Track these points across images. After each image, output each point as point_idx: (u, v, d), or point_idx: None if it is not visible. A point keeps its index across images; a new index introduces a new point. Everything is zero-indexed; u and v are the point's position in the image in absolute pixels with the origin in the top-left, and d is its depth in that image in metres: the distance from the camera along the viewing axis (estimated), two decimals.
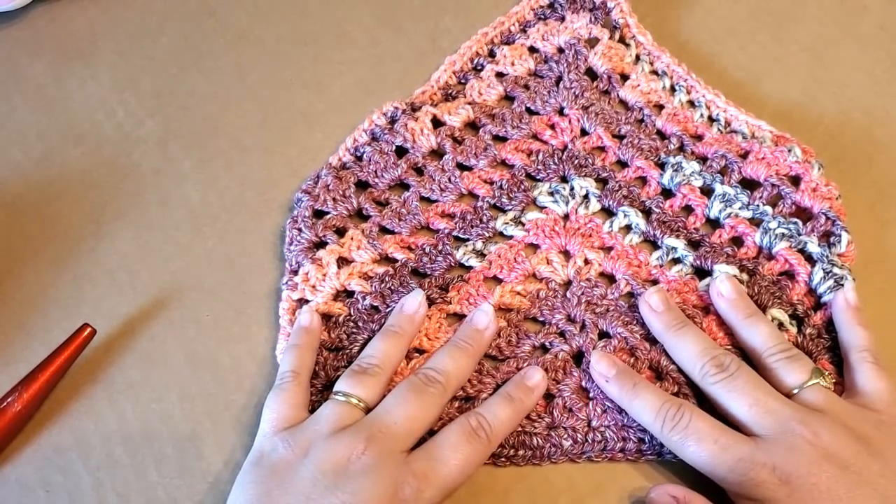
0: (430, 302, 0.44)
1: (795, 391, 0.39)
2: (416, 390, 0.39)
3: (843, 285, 0.43)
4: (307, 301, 0.44)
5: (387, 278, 0.44)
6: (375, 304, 0.44)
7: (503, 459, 0.41)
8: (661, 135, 0.50)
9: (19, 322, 0.45)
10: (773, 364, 0.40)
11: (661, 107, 0.51)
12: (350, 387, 0.39)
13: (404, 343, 0.41)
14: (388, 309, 0.43)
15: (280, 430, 0.38)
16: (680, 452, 0.38)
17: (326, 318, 0.44)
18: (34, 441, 0.42)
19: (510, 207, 0.47)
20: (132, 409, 0.43)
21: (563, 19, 0.53)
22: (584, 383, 0.42)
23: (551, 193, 0.47)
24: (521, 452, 0.41)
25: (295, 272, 0.45)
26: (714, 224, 0.47)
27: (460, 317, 0.44)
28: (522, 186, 0.47)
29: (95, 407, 0.43)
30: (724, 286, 0.42)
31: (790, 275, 0.44)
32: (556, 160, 0.48)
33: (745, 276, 0.44)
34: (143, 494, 0.41)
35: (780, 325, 0.43)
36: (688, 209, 0.47)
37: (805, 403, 0.38)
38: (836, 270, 0.43)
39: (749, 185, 0.47)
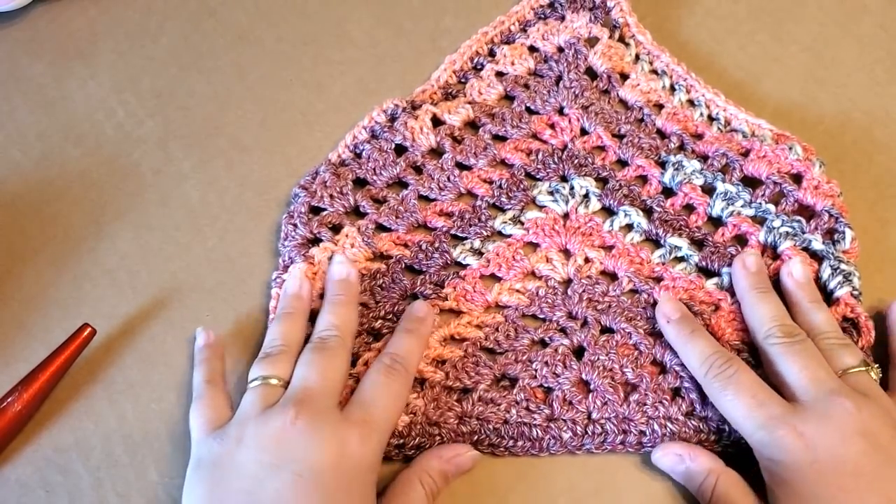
0: (425, 298, 0.44)
1: (843, 374, 0.39)
2: (318, 350, 0.40)
3: (851, 280, 0.43)
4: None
5: (378, 276, 0.44)
6: (365, 301, 0.44)
7: (502, 450, 0.41)
8: (661, 134, 0.50)
9: (19, 322, 0.45)
10: (828, 346, 0.40)
11: (660, 106, 0.51)
12: (262, 370, 0.40)
13: (300, 319, 0.42)
14: (379, 305, 0.43)
15: (210, 432, 0.38)
16: (717, 401, 0.39)
17: (314, 314, 0.44)
18: (34, 441, 0.42)
19: (510, 207, 0.47)
20: (132, 409, 0.43)
21: (562, 19, 0.53)
22: (584, 376, 0.42)
23: (551, 193, 0.47)
24: (520, 443, 0.41)
25: (286, 269, 0.45)
26: (716, 222, 0.47)
27: (455, 314, 0.44)
28: (522, 186, 0.47)
29: (95, 407, 0.43)
30: (797, 269, 0.43)
31: None
32: (556, 159, 0.48)
33: None
34: (143, 494, 0.41)
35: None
36: (689, 208, 0.47)
37: (852, 386, 0.38)
38: (843, 266, 0.43)
39: (750, 183, 0.47)
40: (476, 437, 0.41)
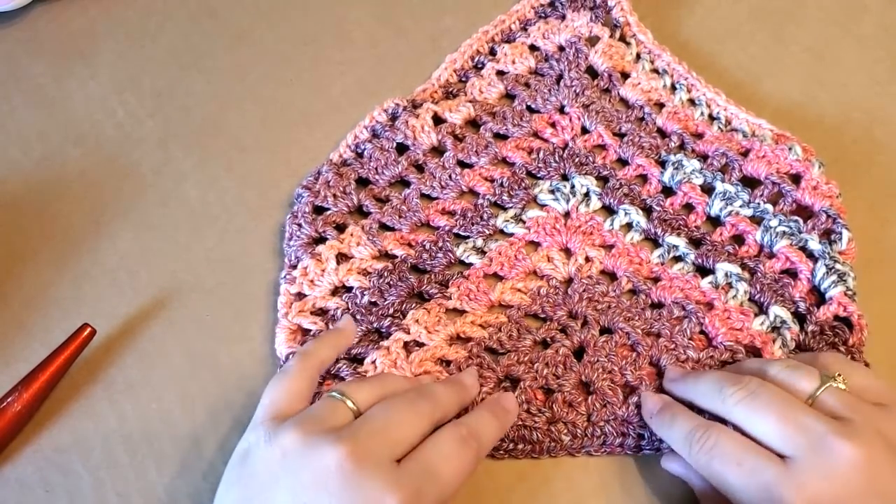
0: (429, 297, 0.44)
1: (811, 399, 0.36)
2: (408, 400, 0.36)
3: (846, 280, 0.43)
4: (305, 295, 0.44)
5: (385, 274, 0.44)
6: (373, 299, 0.44)
7: (502, 452, 0.41)
8: (662, 133, 0.50)
9: (19, 322, 0.45)
10: (780, 377, 0.37)
11: (661, 105, 0.51)
12: (346, 387, 0.37)
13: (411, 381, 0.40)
14: (386, 303, 0.43)
15: (268, 420, 0.35)
16: (709, 476, 0.36)
17: (323, 311, 0.44)
18: (34, 441, 0.42)
19: (511, 205, 0.47)
20: (132, 409, 0.42)
21: (563, 18, 0.53)
22: (583, 378, 0.42)
23: (552, 191, 0.47)
24: (520, 446, 0.41)
25: (294, 267, 0.45)
26: (715, 222, 0.47)
27: (460, 312, 0.44)
28: (523, 184, 0.47)
29: (95, 407, 0.42)
30: (670, 373, 0.41)
31: (792, 273, 0.44)
32: (557, 158, 0.48)
33: (746, 275, 0.44)
34: (143, 494, 0.40)
35: (783, 323, 0.43)
36: (688, 207, 0.47)
37: (827, 410, 0.35)
38: (838, 266, 0.43)
39: (749, 183, 0.47)
40: None
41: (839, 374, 0.37)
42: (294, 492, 0.32)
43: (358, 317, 0.43)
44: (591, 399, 0.41)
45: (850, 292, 0.43)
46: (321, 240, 0.46)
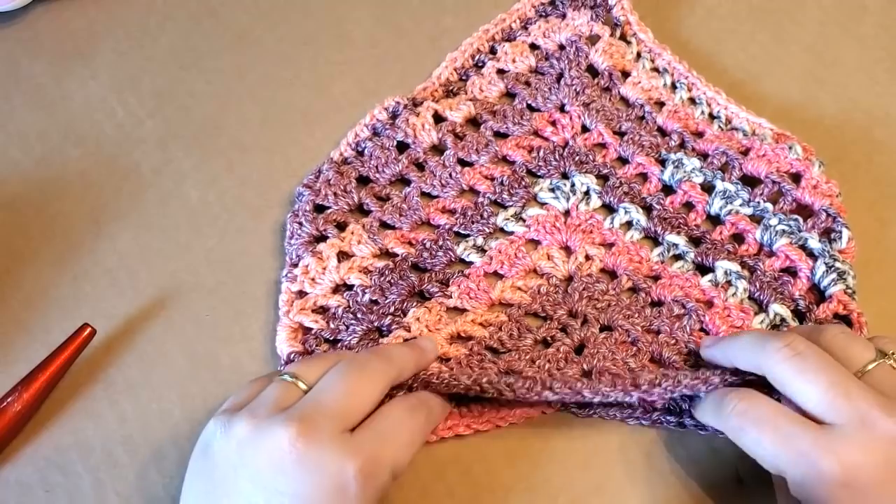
0: (430, 296, 0.44)
1: (860, 373, 0.34)
2: (358, 365, 0.35)
3: (845, 279, 0.43)
4: (306, 294, 0.44)
5: (386, 272, 0.44)
6: (374, 297, 0.44)
7: (505, 385, 0.38)
8: (662, 132, 0.50)
9: (19, 322, 0.44)
10: (833, 342, 0.36)
11: (661, 104, 0.51)
12: (295, 367, 0.36)
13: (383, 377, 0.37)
14: (387, 301, 0.43)
15: (222, 412, 0.35)
16: (739, 442, 0.35)
17: (324, 310, 0.44)
18: (34, 441, 0.42)
19: (511, 204, 0.47)
20: (132, 409, 0.42)
21: (564, 16, 0.53)
22: (585, 366, 0.42)
23: (552, 190, 0.47)
24: (520, 381, 0.38)
25: (295, 265, 0.45)
26: (715, 221, 0.47)
27: (460, 311, 0.44)
28: (523, 183, 0.47)
29: (95, 407, 0.42)
30: (707, 341, 0.41)
31: (791, 271, 0.44)
32: (557, 157, 0.48)
33: (746, 273, 0.44)
34: (144, 494, 0.40)
35: (783, 321, 0.43)
36: (688, 206, 0.47)
37: (875, 385, 0.34)
38: (838, 265, 0.43)
39: (750, 181, 0.47)
40: (473, 378, 0.38)
41: (894, 353, 0.35)
42: (253, 479, 0.32)
43: (358, 314, 0.43)
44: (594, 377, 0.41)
45: (849, 290, 0.43)
46: (322, 238, 0.46)
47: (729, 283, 0.44)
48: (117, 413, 0.42)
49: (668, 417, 0.41)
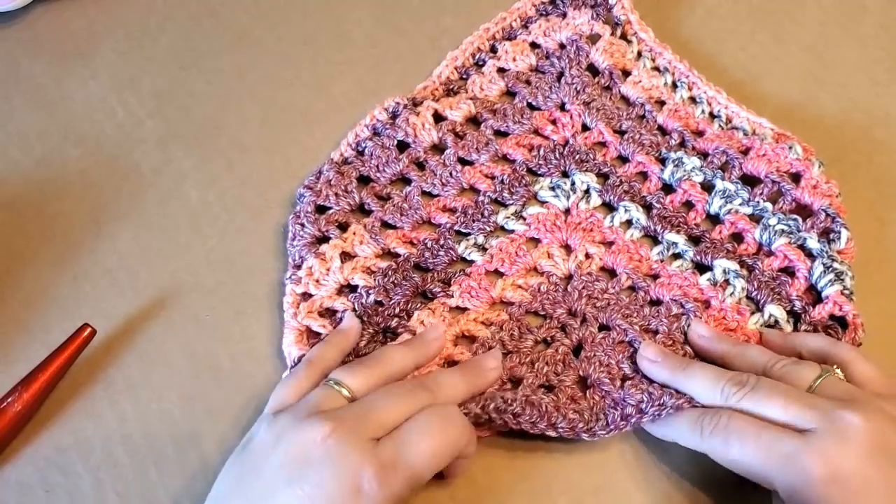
0: (433, 296, 0.44)
1: (811, 388, 0.37)
2: (404, 389, 0.37)
3: (843, 280, 0.43)
4: (311, 295, 0.44)
5: (389, 272, 0.44)
6: (379, 298, 0.44)
7: (511, 416, 0.39)
8: (663, 130, 0.50)
9: (19, 322, 0.44)
10: (781, 372, 0.39)
11: (662, 103, 0.51)
12: (342, 375, 0.38)
13: (413, 358, 0.40)
14: (392, 302, 0.43)
15: (270, 413, 0.37)
16: (724, 458, 0.37)
17: (331, 312, 0.44)
18: (34, 441, 0.41)
19: (511, 202, 0.47)
20: (132, 409, 0.42)
21: (564, 15, 0.54)
22: (581, 373, 0.42)
23: (552, 188, 0.47)
24: (528, 412, 0.39)
25: (298, 266, 0.45)
26: (714, 220, 0.47)
27: (462, 310, 0.44)
28: (524, 181, 0.47)
29: (95, 407, 0.42)
30: (700, 328, 0.42)
31: (790, 271, 0.45)
32: (558, 155, 0.48)
33: (744, 272, 0.44)
34: (143, 494, 0.40)
35: (776, 322, 0.43)
36: (688, 205, 0.47)
37: (827, 396, 0.36)
38: (836, 265, 0.43)
39: (749, 181, 0.47)
40: (483, 402, 0.39)
41: (836, 367, 0.39)
42: (281, 464, 0.34)
43: (365, 318, 0.43)
44: (590, 393, 0.41)
45: (846, 291, 0.43)
46: (324, 239, 0.46)
47: (727, 282, 0.44)
48: (117, 413, 0.42)
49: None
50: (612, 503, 0.40)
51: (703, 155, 0.48)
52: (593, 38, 0.52)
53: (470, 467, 0.41)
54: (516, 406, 0.39)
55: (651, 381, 0.41)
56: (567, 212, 0.47)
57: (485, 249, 0.45)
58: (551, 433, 0.40)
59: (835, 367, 0.39)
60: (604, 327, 0.43)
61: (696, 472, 0.41)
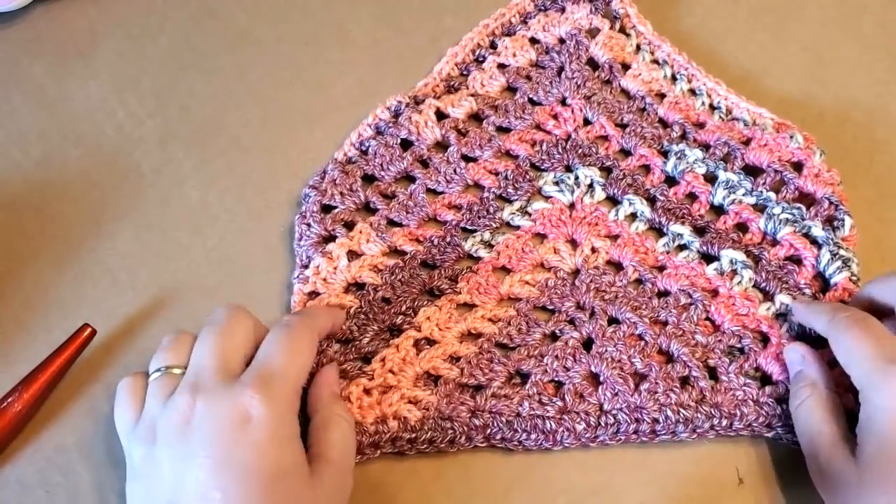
0: (440, 293, 0.44)
1: None
2: (212, 329, 0.37)
3: (850, 266, 0.43)
4: (318, 294, 0.44)
5: (397, 270, 0.44)
6: (387, 296, 0.44)
7: (515, 443, 0.41)
8: (664, 123, 0.50)
9: (20, 322, 0.44)
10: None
11: (662, 95, 0.51)
12: (159, 360, 0.38)
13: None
14: (399, 300, 0.43)
15: (130, 430, 0.37)
16: (839, 338, 0.38)
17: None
18: (34, 441, 0.41)
19: (516, 198, 0.47)
20: None
21: (563, 10, 0.54)
22: (593, 368, 0.42)
23: (556, 183, 0.47)
24: (533, 436, 0.40)
25: (305, 266, 0.45)
26: (718, 210, 0.47)
27: (470, 307, 0.44)
28: (528, 176, 0.47)
29: (96, 407, 0.42)
30: (797, 307, 0.42)
31: (796, 260, 0.45)
32: (560, 150, 0.48)
33: (751, 262, 0.44)
34: None
35: (789, 310, 0.43)
36: (692, 196, 0.47)
37: None
38: (842, 252, 0.44)
39: (752, 171, 0.47)
40: (489, 431, 0.41)
41: None
42: (172, 455, 0.34)
43: (370, 314, 0.43)
44: (602, 389, 0.41)
45: (854, 278, 0.43)
46: (331, 238, 0.46)
47: (734, 272, 0.44)
48: None
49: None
50: (612, 503, 0.40)
51: (705, 146, 0.48)
52: (592, 33, 0.52)
53: (468, 466, 0.41)
54: (521, 433, 0.40)
55: (666, 392, 0.41)
56: (572, 206, 0.47)
57: (491, 246, 0.45)
58: (557, 448, 0.41)
59: None
60: (613, 321, 0.43)
61: (696, 473, 0.41)
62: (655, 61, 0.52)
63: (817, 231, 0.44)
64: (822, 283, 0.44)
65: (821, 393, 0.39)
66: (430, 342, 0.43)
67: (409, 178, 0.48)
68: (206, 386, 0.35)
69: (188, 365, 0.37)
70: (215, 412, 0.34)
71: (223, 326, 0.37)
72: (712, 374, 0.42)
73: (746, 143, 0.48)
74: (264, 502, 0.33)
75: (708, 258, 0.45)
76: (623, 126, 0.49)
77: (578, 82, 0.50)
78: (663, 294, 0.44)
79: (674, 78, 0.51)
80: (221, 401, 0.34)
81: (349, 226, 0.46)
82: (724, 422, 0.40)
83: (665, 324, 0.43)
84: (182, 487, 0.33)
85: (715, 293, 0.44)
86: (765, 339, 0.43)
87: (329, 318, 0.41)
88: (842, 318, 0.38)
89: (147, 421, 0.36)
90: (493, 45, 0.53)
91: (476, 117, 0.50)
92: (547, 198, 0.47)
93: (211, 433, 0.34)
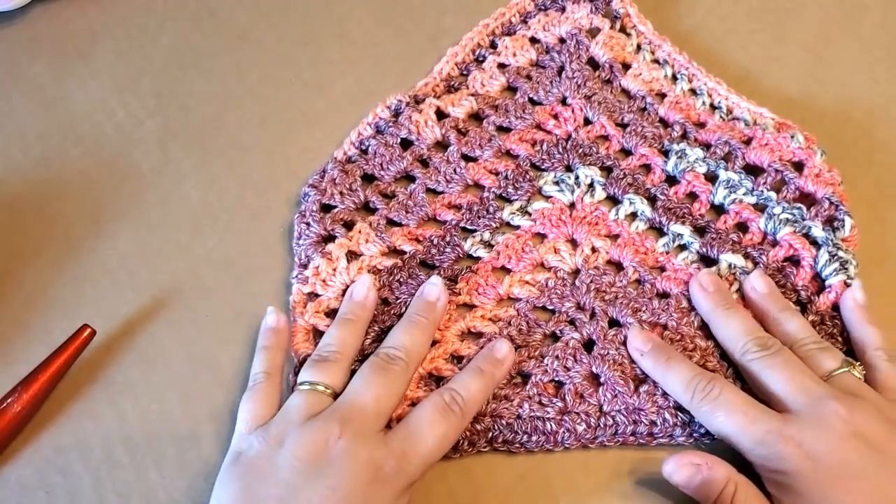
0: None
1: (828, 377, 0.39)
2: (380, 369, 0.39)
3: (847, 269, 0.43)
4: (318, 295, 0.44)
5: (395, 270, 0.44)
6: (385, 296, 0.44)
7: (517, 446, 0.41)
8: (664, 123, 0.50)
9: (19, 322, 0.44)
10: (806, 353, 0.40)
11: (663, 95, 0.51)
12: (313, 375, 0.39)
13: (359, 328, 0.42)
14: (398, 301, 0.43)
15: (254, 429, 0.38)
16: (709, 423, 0.39)
17: (336, 312, 0.44)
18: (34, 442, 0.41)
19: (516, 198, 0.47)
20: (132, 410, 0.42)
21: (563, 10, 0.54)
22: (594, 369, 0.42)
23: (556, 183, 0.47)
24: (534, 438, 0.40)
25: (305, 266, 0.45)
26: (719, 210, 0.47)
27: (470, 307, 0.44)
28: (528, 176, 0.47)
29: (95, 407, 0.42)
30: (759, 282, 0.43)
31: (795, 260, 0.45)
32: (561, 150, 0.48)
33: (749, 265, 0.44)
34: (144, 495, 0.40)
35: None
36: (692, 196, 0.47)
37: (838, 388, 0.38)
38: (840, 254, 0.43)
39: (752, 171, 0.47)
40: (490, 434, 0.41)
41: (860, 364, 0.40)
42: (293, 467, 0.35)
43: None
44: (602, 390, 0.41)
45: (850, 281, 0.43)
46: (330, 238, 0.46)
47: (733, 276, 0.44)
48: (117, 413, 0.42)
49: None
50: None
51: (706, 146, 0.48)
52: (593, 32, 0.52)
53: (470, 468, 0.41)
54: (522, 435, 0.40)
55: (665, 395, 0.41)
56: (572, 206, 0.47)
57: (491, 246, 0.45)
58: (558, 449, 0.41)
59: (859, 364, 0.40)
60: (614, 323, 0.43)
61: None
62: (656, 61, 0.52)
63: (817, 231, 0.44)
64: (820, 285, 0.44)
65: (741, 482, 0.38)
66: (431, 343, 0.43)
67: (408, 178, 0.48)
68: (357, 429, 0.36)
69: (340, 390, 0.39)
70: (354, 456, 0.35)
71: (390, 375, 0.39)
72: None
73: (747, 142, 0.48)
74: None
75: (708, 260, 0.45)
76: (623, 126, 0.49)
77: (579, 82, 0.50)
78: (663, 295, 0.44)
79: (674, 78, 0.51)
80: (364, 449, 0.36)
81: (348, 225, 0.46)
82: None
83: (665, 327, 0.43)
84: (291, 500, 0.34)
85: None
86: None
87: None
88: (700, 402, 0.39)
89: (280, 426, 0.37)
90: (493, 45, 0.53)
91: (476, 117, 0.50)
92: (547, 197, 0.47)
93: (341, 470, 0.35)
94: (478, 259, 0.45)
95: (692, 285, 0.43)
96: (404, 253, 0.45)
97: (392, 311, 0.43)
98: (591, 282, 0.44)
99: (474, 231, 0.46)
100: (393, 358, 0.39)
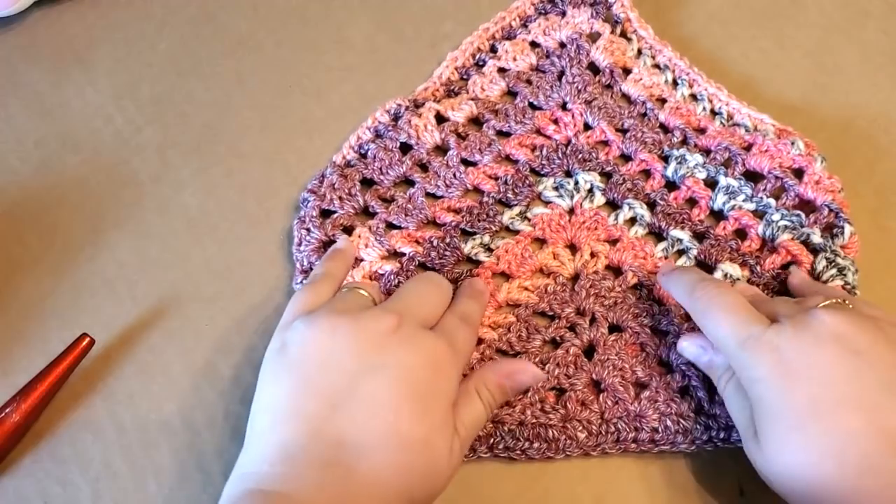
0: None
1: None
2: (426, 282, 0.40)
3: (846, 275, 0.43)
4: None
5: (392, 276, 0.44)
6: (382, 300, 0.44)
7: (518, 452, 0.40)
8: (665, 128, 0.50)
9: (17, 332, 0.44)
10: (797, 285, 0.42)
11: (663, 100, 0.51)
12: (350, 285, 0.40)
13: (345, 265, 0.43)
14: None
15: (302, 314, 0.37)
16: (701, 324, 0.38)
17: None
18: (32, 452, 0.41)
19: (515, 203, 0.47)
20: (131, 420, 0.42)
21: (563, 14, 0.53)
22: (594, 376, 0.42)
23: (556, 188, 0.47)
24: (535, 445, 0.40)
25: (306, 272, 0.45)
26: (718, 216, 0.47)
27: None
28: (527, 181, 0.47)
29: (94, 417, 0.42)
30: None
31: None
32: (560, 155, 0.48)
33: (746, 273, 0.44)
34: None
35: None
36: (692, 201, 0.47)
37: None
38: (839, 260, 0.43)
39: (752, 177, 0.47)
40: (491, 441, 0.40)
41: (848, 302, 0.38)
42: (356, 353, 0.35)
43: None
44: (603, 397, 0.41)
45: (848, 286, 0.43)
46: (330, 243, 0.45)
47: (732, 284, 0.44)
48: (116, 423, 0.42)
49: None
50: None
51: (706, 152, 0.48)
52: (593, 37, 0.52)
53: (469, 479, 0.41)
54: (524, 442, 0.40)
55: (667, 402, 0.41)
56: (571, 211, 0.47)
57: (491, 249, 0.45)
58: (559, 457, 0.41)
59: (846, 301, 0.38)
60: (614, 328, 0.43)
61: (697, 485, 0.40)
62: (656, 66, 0.52)
63: (816, 238, 0.44)
64: None
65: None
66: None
67: (408, 182, 0.48)
68: (412, 321, 0.37)
69: (376, 300, 0.40)
70: (414, 344, 0.36)
71: (434, 284, 0.40)
72: (710, 385, 0.42)
73: (747, 148, 0.47)
74: (420, 446, 0.34)
75: (705, 267, 0.45)
76: (623, 131, 0.49)
77: (579, 87, 0.50)
78: (662, 300, 0.44)
79: (675, 83, 0.51)
80: (422, 338, 0.36)
81: (348, 231, 0.46)
82: (722, 434, 0.40)
83: (666, 334, 0.43)
84: (355, 390, 0.34)
85: None
86: None
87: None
88: (698, 298, 0.38)
89: (330, 316, 0.36)
90: (493, 49, 0.53)
91: (476, 121, 0.50)
92: (547, 203, 0.47)
93: (404, 358, 0.35)
94: (478, 263, 0.45)
95: (660, 277, 0.42)
96: (404, 255, 0.45)
97: None
98: (591, 287, 0.44)
99: (474, 234, 0.46)
100: (433, 277, 0.41)
